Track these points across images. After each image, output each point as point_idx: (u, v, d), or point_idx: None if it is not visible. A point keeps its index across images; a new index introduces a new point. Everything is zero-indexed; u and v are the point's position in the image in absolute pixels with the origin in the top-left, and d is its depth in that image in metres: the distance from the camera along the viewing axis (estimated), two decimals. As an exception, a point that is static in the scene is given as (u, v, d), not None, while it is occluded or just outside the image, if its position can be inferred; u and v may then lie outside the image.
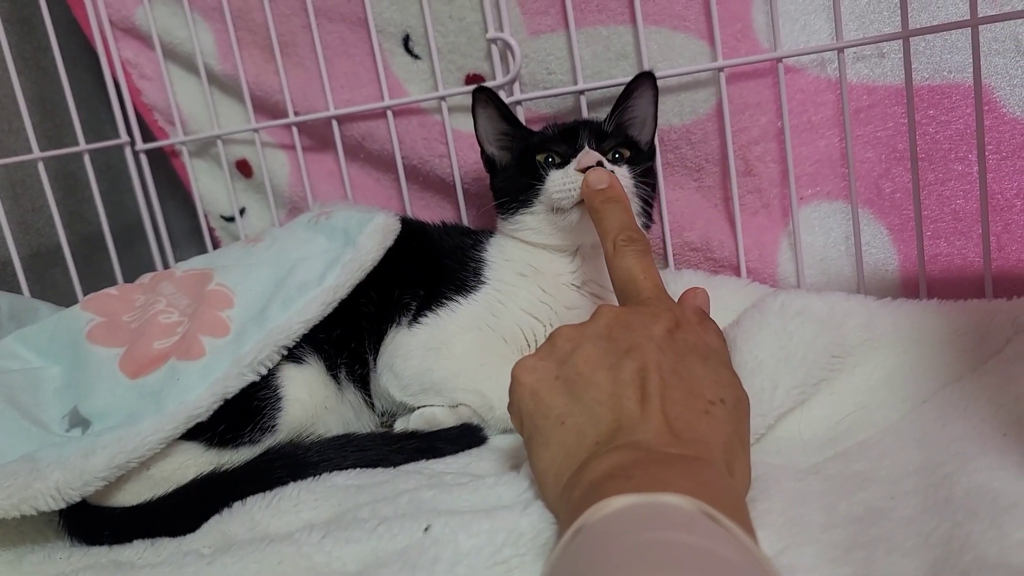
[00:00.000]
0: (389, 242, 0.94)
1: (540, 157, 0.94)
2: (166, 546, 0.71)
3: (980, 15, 0.86)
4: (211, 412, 0.78)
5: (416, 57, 1.16)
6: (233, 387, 0.80)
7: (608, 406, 0.57)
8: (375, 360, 0.93)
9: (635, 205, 0.92)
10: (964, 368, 0.77)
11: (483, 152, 1.02)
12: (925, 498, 0.57)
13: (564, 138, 0.94)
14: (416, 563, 0.55)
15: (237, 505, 0.74)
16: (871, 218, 1.01)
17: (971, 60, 0.88)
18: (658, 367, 0.58)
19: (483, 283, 0.95)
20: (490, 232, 1.02)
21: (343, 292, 0.88)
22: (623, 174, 0.90)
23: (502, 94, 1.10)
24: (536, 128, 1.01)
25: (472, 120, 1.00)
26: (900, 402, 0.75)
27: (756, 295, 0.99)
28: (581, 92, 1.06)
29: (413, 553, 0.57)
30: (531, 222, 0.95)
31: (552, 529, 0.57)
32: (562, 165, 0.92)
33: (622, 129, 0.96)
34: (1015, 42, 0.92)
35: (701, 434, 0.55)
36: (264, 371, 0.82)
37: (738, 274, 1.06)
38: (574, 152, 0.91)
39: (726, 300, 0.97)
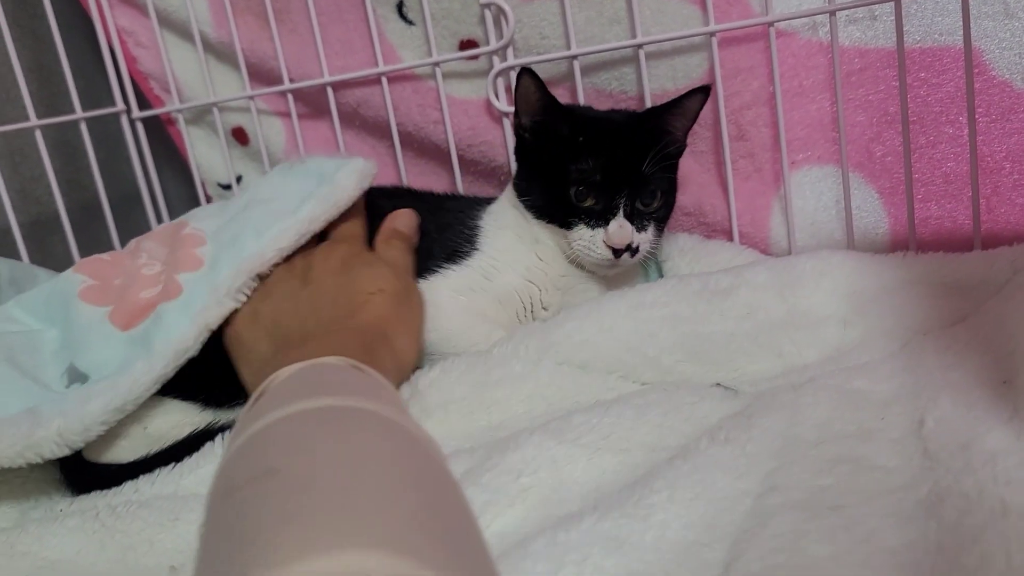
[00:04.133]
0: (366, 184, 0.93)
1: (573, 191, 0.90)
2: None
3: (970, -23, 0.86)
4: (200, 344, 0.79)
5: (410, 23, 1.16)
6: (215, 317, 0.81)
7: (298, 319, 0.79)
8: None
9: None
10: (969, 308, 0.79)
11: (516, 117, 0.97)
12: (912, 422, 0.61)
13: (603, 176, 0.89)
14: None
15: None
16: (862, 182, 1.02)
17: (961, 23, 0.88)
18: (325, 285, 0.81)
19: (477, 249, 0.96)
20: (488, 200, 1.03)
21: (318, 225, 0.87)
22: (645, 240, 0.90)
23: (495, 60, 1.10)
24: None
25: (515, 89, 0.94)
26: (903, 332, 0.78)
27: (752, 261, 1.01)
28: (574, 57, 1.06)
29: None
30: (546, 234, 0.95)
31: (546, 455, 0.62)
32: (596, 217, 0.89)
33: (660, 149, 0.90)
34: (1004, 5, 0.92)
35: (362, 319, 0.77)
36: (243, 298, 0.82)
37: (730, 238, 1.06)
38: (610, 205, 0.89)
39: (723, 267, 0.97)
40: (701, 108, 0.94)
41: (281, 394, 0.53)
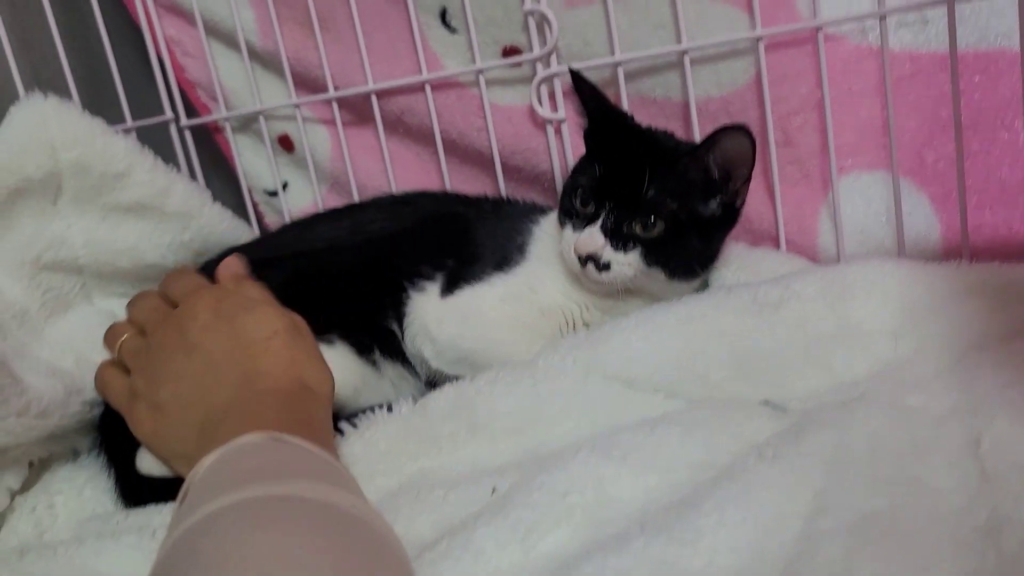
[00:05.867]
0: None
1: (575, 194, 0.90)
2: None
3: (1028, -21, 0.84)
4: None
5: (453, 30, 1.16)
6: None
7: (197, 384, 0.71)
8: (400, 325, 0.94)
9: (652, 280, 0.89)
10: None
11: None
12: (968, 441, 0.59)
13: (600, 186, 0.88)
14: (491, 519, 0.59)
15: None
16: (913, 188, 1.00)
17: (1018, 25, 0.86)
18: (212, 345, 0.72)
19: (525, 258, 0.96)
20: (548, 208, 1.03)
21: None
22: (623, 261, 0.86)
23: (538, 67, 1.10)
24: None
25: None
26: (958, 346, 0.76)
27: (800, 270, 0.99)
28: (618, 64, 1.05)
29: (487, 513, 0.60)
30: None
31: (592, 473, 0.62)
32: (583, 223, 0.88)
33: (678, 186, 0.86)
34: (1064, 6, 0.90)
35: (270, 374, 0.69)
36: None
37: (777, 246, 1.05)
38: (596, 214, 0.87)
39: (769, 275, 0.95)
40: (745, 151, 0.85)
41: (203, 489, 0.53)
